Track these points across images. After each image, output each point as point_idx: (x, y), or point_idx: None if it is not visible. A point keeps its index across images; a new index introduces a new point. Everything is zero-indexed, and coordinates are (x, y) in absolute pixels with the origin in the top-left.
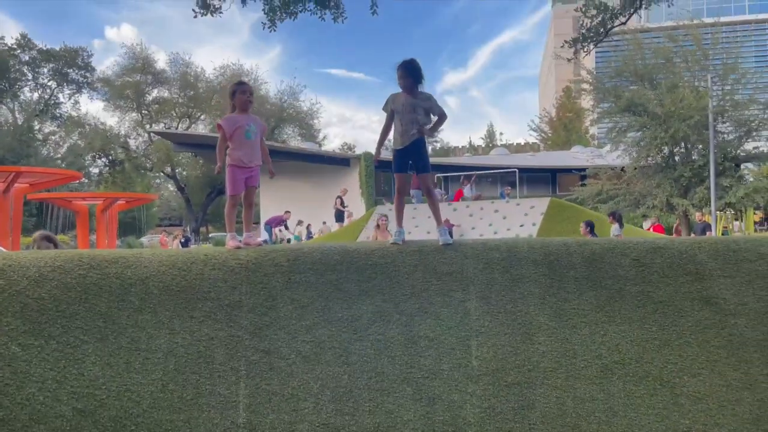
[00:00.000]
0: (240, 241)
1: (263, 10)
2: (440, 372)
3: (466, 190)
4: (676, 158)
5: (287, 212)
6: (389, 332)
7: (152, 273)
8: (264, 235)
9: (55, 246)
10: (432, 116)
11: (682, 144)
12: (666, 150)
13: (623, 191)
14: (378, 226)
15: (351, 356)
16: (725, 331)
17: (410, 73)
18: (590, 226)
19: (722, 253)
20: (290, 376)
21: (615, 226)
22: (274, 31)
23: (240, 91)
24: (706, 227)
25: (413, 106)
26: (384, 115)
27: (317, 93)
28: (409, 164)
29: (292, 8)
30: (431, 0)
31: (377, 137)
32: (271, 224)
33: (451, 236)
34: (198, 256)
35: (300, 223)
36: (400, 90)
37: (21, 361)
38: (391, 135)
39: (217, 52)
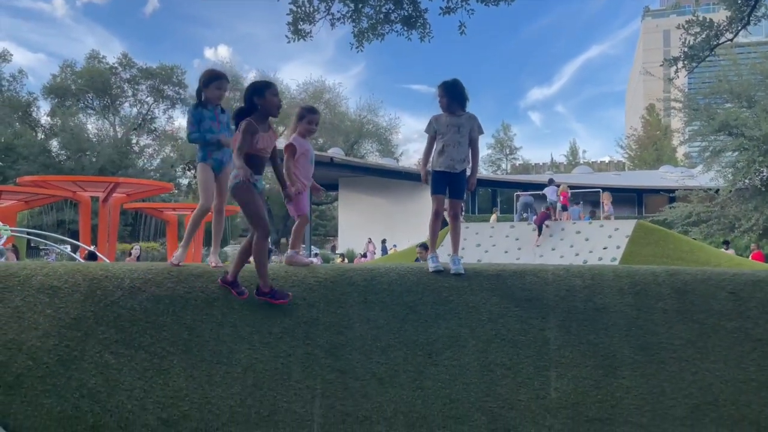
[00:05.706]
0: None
1: (352, 32)
2: (517, 402)
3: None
4: None
5: None
6: (464, 358)
7: None
8: None
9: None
10: (471, 134)
11: None
12: (766, 172)
13: (716, 214)
14: None
15: (425, 380)
16: None
17: (447, 93)
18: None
19: None
20: (364, 397)
21: None
22: (362, 51)
23: (307, 120)
24: None
25: (458, 126)
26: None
27: (399, 108)
28: (446, 187)
29: (379, 30)
30: (516, 16)
31: None
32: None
33: None
34: (279, 272)
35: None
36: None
37: (112, 370)
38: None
39: (303, 67)
